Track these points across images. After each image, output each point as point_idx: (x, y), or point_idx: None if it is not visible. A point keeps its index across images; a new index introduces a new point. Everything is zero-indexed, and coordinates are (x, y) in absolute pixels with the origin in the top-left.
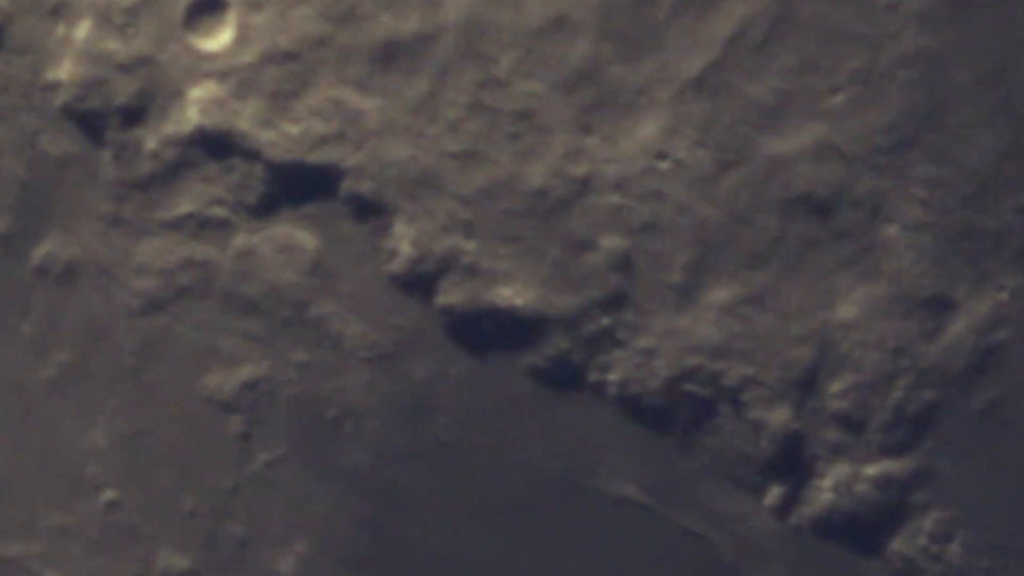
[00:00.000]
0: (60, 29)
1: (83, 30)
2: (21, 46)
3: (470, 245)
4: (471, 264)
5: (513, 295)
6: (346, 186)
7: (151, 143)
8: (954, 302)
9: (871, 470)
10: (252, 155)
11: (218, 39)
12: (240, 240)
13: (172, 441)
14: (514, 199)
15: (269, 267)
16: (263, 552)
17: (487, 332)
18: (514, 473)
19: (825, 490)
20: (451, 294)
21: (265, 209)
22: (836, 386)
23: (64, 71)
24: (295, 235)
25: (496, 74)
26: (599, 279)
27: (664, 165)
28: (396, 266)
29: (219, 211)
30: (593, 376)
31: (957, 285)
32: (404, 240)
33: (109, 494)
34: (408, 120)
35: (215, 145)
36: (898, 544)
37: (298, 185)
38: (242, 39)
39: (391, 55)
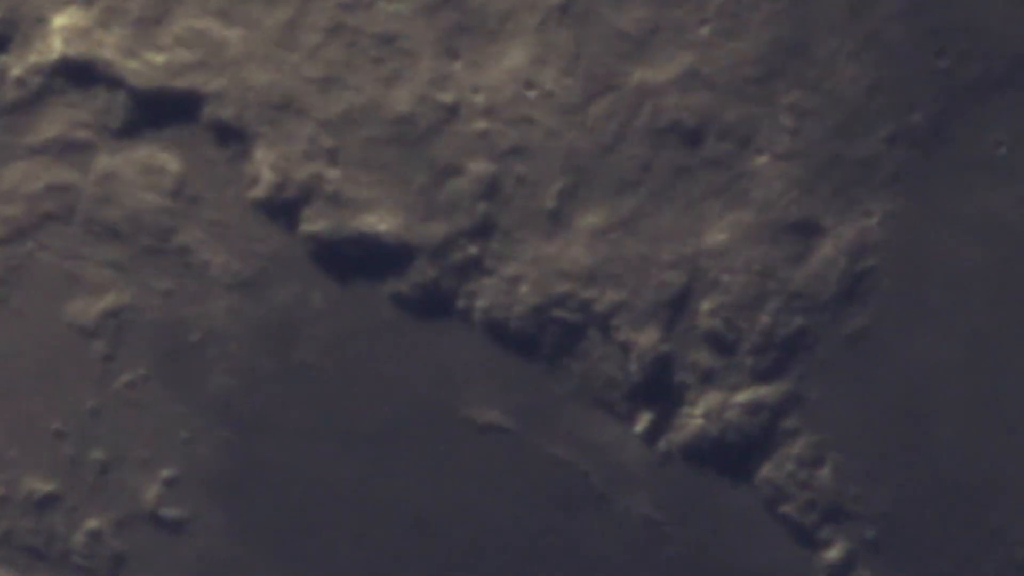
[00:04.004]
0: None
1: None
2: None
3: (333, 172)
4: (334, 192)
5: (377, 221)
6: (208, 112)
7: (16, 71)
8: (822, 227)
9: (741, 396)
10: (115, 83)
11: None
12: (102, 162)
13: (35, 366)
14: (379, 125)
15: (131, 190)
16: (127, 476)
17: (351, 258)
18: (378, 399)
19: (695, 416)
20: (315, 222)
21: (127, 133)
22: (705, 307)
23: None
24: (157, 157)
25: None
26: (466, 206)
27: (532, 93)
28: (259, 192)
29: (83, 134)
30: (461, 303)
31: (825, 211)
32: (265, 165)
33: None
34: (270, 46)
35: (78, 73)
36: (767, 471)
37: (160, 111)
38: None
39: None
